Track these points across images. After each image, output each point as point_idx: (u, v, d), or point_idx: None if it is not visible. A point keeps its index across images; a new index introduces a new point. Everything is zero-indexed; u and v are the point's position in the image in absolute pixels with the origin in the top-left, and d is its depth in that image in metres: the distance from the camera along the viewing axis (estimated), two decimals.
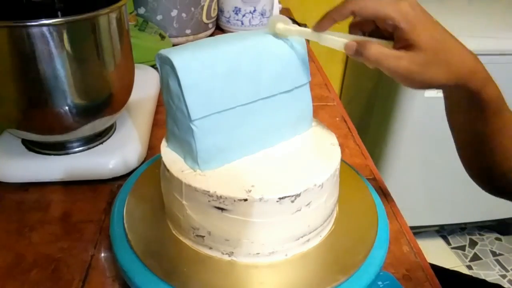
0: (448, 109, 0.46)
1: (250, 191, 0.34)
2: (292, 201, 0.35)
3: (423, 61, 0.35)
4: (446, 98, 0.45)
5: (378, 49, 0.36)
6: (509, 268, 1.46)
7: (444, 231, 1.59)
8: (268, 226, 0.36)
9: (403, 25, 0.35)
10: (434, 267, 0.53)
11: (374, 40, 0.38)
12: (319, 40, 0.39)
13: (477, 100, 0.40)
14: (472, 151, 0.48)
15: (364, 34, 0.40)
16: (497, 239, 1.58)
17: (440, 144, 1.03)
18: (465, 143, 0.48)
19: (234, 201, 0.34)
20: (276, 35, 0.40)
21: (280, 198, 0.35)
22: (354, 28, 0.40)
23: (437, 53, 0.36)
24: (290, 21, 0.40)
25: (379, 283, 0.41)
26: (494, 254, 1.51)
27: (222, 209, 0.35)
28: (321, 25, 0.38)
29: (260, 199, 0.34)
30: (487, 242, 1.56)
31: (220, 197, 0.34)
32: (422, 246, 0.48)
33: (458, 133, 0.48)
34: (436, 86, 0.38)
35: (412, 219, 0.78)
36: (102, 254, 0.46)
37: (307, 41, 0.46)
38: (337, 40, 0.38)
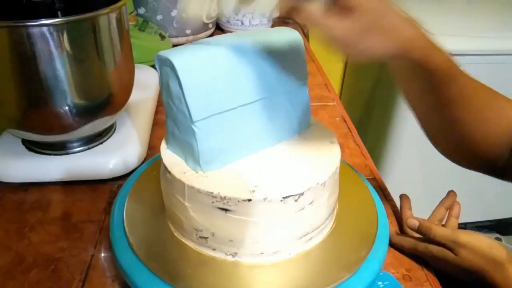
0: (399, 86, 0.43)
1: (253, 191, 0.34)
2: (296, 200, 0.35)
3: (359, 29, 0.33)
4: (394, 73, 0.43)
5: (307, 14, 0.33)
6: None
7: None
8: (272, 225, 0.36)
9: None
10: None
11: None
12: None
13: (422, 70, 0.38)
14: (434, 129, 0.45)
15: None
16: (497, 239, 1.58)
17: None
18: (426, 122, 0.45)
19: (238, 201, 0.34)
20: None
21: (284, 198, 0.34)
22: None
23: (374, 20, 0.33)
24: None
25: (379, 283, 0.41)
26: None
27: (226, 210, 0.35)
28: None
29: (264, 199, 0.34)
30: None
31: (224, 198, 0.34)
32: None
33: (415, 111, 0.45)
34: (377, 56, 0.36)
35: None
36: (102, 254, 0.46)
37: (307, 41, 0.46)
38: None
